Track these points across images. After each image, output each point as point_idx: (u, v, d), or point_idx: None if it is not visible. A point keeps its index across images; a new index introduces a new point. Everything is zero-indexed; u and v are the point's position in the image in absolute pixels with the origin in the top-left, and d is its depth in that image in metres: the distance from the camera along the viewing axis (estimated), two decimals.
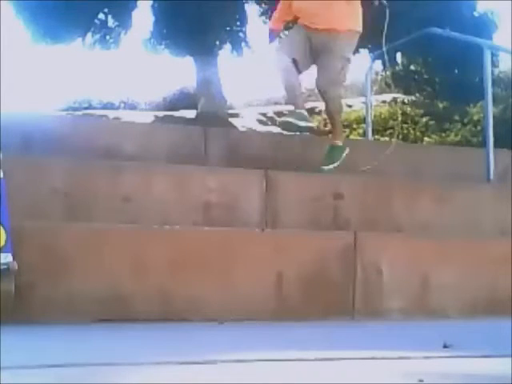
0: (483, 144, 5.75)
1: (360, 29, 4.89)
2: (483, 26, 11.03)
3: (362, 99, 10.37)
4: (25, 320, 3.02)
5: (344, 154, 4.94)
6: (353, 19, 4.85)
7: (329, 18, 4.76)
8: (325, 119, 13.03)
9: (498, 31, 11.67)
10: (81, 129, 5.21)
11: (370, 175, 5.02)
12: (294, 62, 4.83)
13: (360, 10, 4.88)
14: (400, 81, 13.35)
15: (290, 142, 5.89)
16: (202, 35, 11.09)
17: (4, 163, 3.21)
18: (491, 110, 5.55)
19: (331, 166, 4.89)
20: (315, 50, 4.86)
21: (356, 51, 11.93)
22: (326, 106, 4.97)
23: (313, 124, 5.08)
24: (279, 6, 5.14)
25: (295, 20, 5.14)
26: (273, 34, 5.19)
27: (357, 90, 13.94)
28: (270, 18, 5.56)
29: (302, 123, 4.86)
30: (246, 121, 13.52)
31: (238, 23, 12.09)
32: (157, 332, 2.99)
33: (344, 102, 15.55)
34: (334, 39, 4.76)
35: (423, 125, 11.90)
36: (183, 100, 14.84)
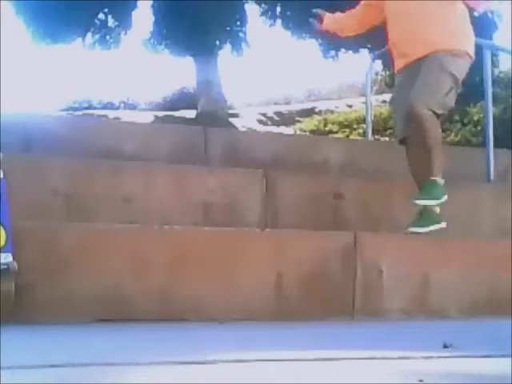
0: (483, 144, 5.75)
1: (466, 49, 4.17)
2: (483, 26, 11.03)
3: (362, 99, 10.36)
4: (25, 320, 3.02)
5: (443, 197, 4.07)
6: (458, 38, 4.16)
7: (428, 44, 4.11)
8: (325, 119, 13.07)
9: (497, 31, 11.68)
10: (81, 129, 5.21)
11: (369, 175, 5.03)
12: None
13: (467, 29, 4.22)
14: None
15: (289, 141, 5.90)
16: (202, 35, 11.10)
17: (4, 163, 3.21)
18: (491, 110, 5.55)
19: (423, 202, 4.06)
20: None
21: (356, 51, 11.98)
22: (417, 129, 4.03)
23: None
24: (343, 19, 4.61)
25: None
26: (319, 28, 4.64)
27: (357, 90, 13.93)
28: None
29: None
30: (246, 121, 13.53)
31: (238, 23, 12.10)
32: (157, 332, 2.99)
33: (344, 102, 15.52)
34: (434, 57, 4.08)
35: None
36: (183, 100, 14.84)
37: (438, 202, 4.06)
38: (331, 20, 4.68)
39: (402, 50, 4.23)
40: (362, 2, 4.55)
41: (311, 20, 4.75)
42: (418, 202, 4.06)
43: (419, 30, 4.11)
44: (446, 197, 4.08)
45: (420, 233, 4.04)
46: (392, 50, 4.38)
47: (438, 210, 4.14)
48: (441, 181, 4.08)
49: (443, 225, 4.10)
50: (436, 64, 4.04)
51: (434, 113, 4.02)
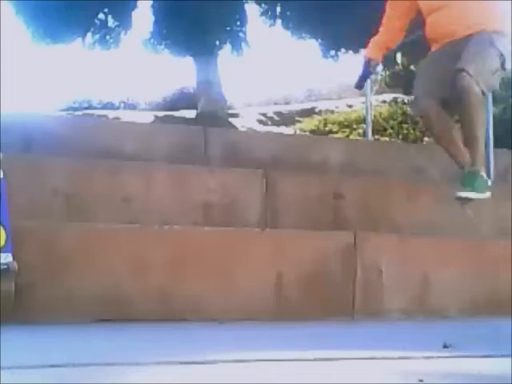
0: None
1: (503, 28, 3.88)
2: None
3: (362, 99, 10.36)
4: (25, 320, 3.02)
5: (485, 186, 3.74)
6: (503, 19, 3.88)
7: (470, 23, 3.83)
8: (325, 119, 13.07)
9: None
10: (81, 129, 5.21)
11: (369, 175, 5.03)
12: (444, 102, 3.83)
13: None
14: (400, 81, 13.36)
15: (289, 141, 5.90)
16: (201, 35, 11.10)
17: (4, 163, 3.21)
18: (491, 110, 5.55)
19: (469, 195, 3.70)
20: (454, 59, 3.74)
21: (356, 51, 11.98)
22: (463, 104, 3.68)
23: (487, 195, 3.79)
24: (383, 30, 4.23)
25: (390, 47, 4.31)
26: (370, 65, 4.25)
27: (357, 90, 13.92)
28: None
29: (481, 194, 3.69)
30: (246, 121, 13.52)
31: (238, 23, 12.10)
32: (157, 332, 2.99)
33: (344, 102, 15.49)
34: (483, 33, 3.77)
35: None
36: (183, 100, 14.83)
37: (481, 196, 3.72)
38: (376, 48, 4.29)
39: (444, 33, 3.92)
40: (388, 4, 4.21)
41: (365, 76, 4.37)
42: (459, 194, 3.69)
43: (463, 12, 3.86)
44: (489, 194, 3.75)
45: (471, 198, 3.69)
46: (430, 35, 4.04)
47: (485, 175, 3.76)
48: (484, 174, 3.74)
49: (488, 195, 3.76)
50: (486, 40, 3.76)
51: (482, 92, 3.66)
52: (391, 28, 4.21)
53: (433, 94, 3.86)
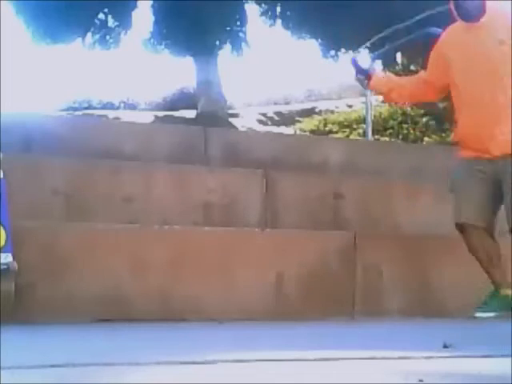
0: None
1: None
2: None
3: (362, 99, 10.35)
4: (25, 320, 3.02)
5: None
6: None
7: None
8: (325, 119, 13.07)
9: None
10: (81, 129, 5.21)
11: (369, 175, 5.03)
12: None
13: None
14: None
15: (289, 141, 5.90)
16: (201, 35, 11.09)
17: (4, 163, 3.21)
18: None
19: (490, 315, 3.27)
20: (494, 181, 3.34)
21: (356, 50, 11.99)
22: None
23: None
24: (405, 82, 3.77)
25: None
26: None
27: (357, 90, 13.93)
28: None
29: None
30: (246, 121, 13.52)
31: (238, 23, 12.10)
32: (157, 332, 2.99)
33: (344, 102, 15.39)
34: None
35: (423, 125, 11.89)
36: (183, 100, 14.81)
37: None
38: (381, 81, 3.80)
39: (478, 145, 3.43)
40: (421, 76, 3.73)
41: (359, 77, 3.80)
42: (478, 314, 3.34)
43: (498, 125, 3.32)
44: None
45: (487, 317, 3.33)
46: (462, 139, 3.54)
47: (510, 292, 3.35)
48: None
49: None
50: None
51: None
52: (398, 91, 3.74)
53: (477, 220, 3.47)
